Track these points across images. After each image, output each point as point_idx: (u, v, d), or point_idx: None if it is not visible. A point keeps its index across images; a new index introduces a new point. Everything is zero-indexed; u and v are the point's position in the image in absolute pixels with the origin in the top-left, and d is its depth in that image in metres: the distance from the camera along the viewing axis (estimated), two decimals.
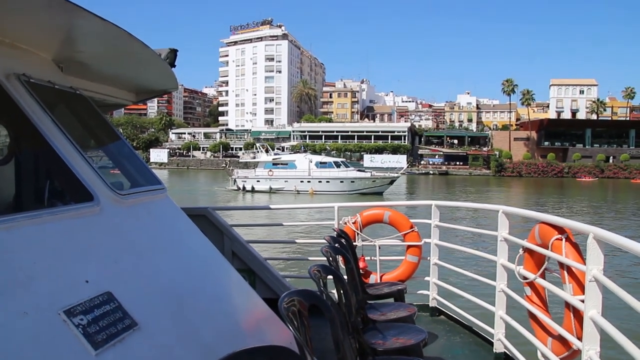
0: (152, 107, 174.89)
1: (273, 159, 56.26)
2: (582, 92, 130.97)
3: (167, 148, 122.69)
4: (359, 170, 57.55)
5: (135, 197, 3.15)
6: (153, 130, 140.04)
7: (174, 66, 4.31)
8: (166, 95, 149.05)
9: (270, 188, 53.01)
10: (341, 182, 52.18)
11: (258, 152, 62.06)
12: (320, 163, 54.26)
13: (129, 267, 2.63)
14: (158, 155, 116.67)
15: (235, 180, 55.24)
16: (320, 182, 52.31)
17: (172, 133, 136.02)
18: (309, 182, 52.35)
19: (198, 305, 2.91)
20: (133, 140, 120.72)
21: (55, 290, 2.08)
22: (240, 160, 64.34)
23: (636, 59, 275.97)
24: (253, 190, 53.06)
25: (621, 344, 2.69)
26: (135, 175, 3.57)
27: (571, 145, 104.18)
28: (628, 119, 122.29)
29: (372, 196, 48.16)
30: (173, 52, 4.25)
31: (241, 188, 53.84)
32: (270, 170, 54.40)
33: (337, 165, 54.13)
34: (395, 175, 53.43)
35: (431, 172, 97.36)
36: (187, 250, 3.46)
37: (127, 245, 2.79)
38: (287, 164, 54.95)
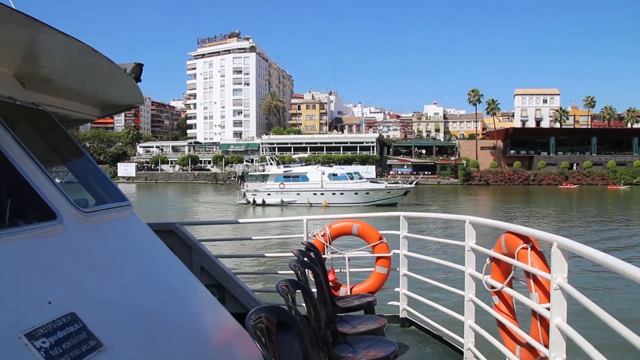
0: (120, 121, 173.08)
1: (284, 172, 55.46)
2: (545, 101, 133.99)
3: (135, 162, 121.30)
4: (371, 182, 57.32)
5: (100, 214, 3.09)
6: (120, 144, 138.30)
7: (140, 80, 4.26)
8: (133, 109, 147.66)
9: (282, 201, 52.29)
10: (355, 194, 51.54)
11: (268, 164, 60.89)
12: (333, 175, 53.37)
13: (94, 286, 2.58)
14: (126, 169, 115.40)
15: (244, 194, 54.26)
16: (334, 194, 51.51)
17: (140, 147, 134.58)
18: (322, 194, 51.58)
19: (165, 324, 2.87)
20: (100, 154, 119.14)
21: (16, 313, 2.02)
22: (250, 173, 63.29)
23: (596, 69, 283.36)
24: (264, 204, 52.05)
25: (586, 350, 2.73)
26: (100, 192, 3.51)
27: (536, 154, 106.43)
28: (589, 127, 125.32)
29: (386, 207, 47.59)
30: (138, 67, 4.20)
31: (251, 202, 52.84)
32: (282, 183, 53.50)
33: (351, 177, 53.36)
34: (409, 186, 53.10)
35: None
36: (154, 268, 3.40)
37: (91, 264, 2.73)
38: (298, 177, 54.09)
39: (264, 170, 59.51)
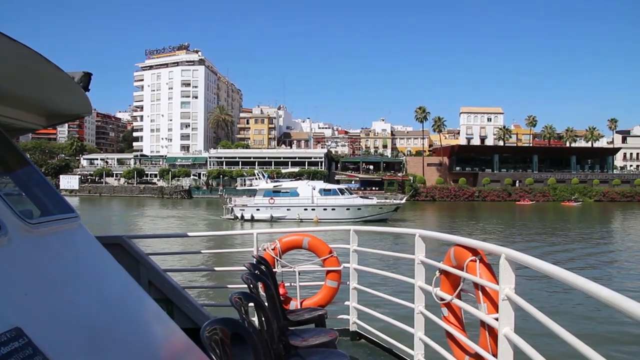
0: (63, 132, 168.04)
1: (274, 187, 54.19)
2: (489, 119, 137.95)
3: (79, 174, 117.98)
4: (362, 197, 56.85)
5: (46, 226, 2.99)
6: (63, 155, 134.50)
7: (88, 90, 4.16)
8: (77, 120, 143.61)
9: (272, 217, 51.08)
10: (347, 209, 50.98)
11: (256, 178, 59.22)
12: (324, 190, 52.58)
13: (40, 300, 2.48)
14: (68, 181, 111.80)
15: (232, 209, 52.77)
16: (325, 209, 50.79)
17: (84, 159, 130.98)
18: (313, 209, 50.77)
19: (114, 338, 2.79)
20: (41, 166, 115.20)
21: None
22: (238, 188, 61.40)
23: (536, 89, 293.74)
24: (252, 220, 50.78)
25: (534, 359, 2.80)
26: (46, 202, 3.39)
27: (481, 170, 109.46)
28: (531, 145, 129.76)
29: (375, 223, 47.69)
30: (87, 76, 4.10)
31: (239, 217, 51.54)
32: (272, 198, 52.33)
33: (342, 192, 52.74)
34: (400, 202, 53.13)
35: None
36: (102, 281, 3.31)
37: (37, 277, 2.63)
38: (288, 192, 52.93)
39: (251, 185, 58.33)
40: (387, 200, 54.84)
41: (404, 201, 53.62)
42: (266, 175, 59.61)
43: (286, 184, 55.34)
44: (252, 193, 55.70)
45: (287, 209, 51.41)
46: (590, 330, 12.43)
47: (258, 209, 52.01)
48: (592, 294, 2.25)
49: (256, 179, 59.02)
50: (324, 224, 46.01)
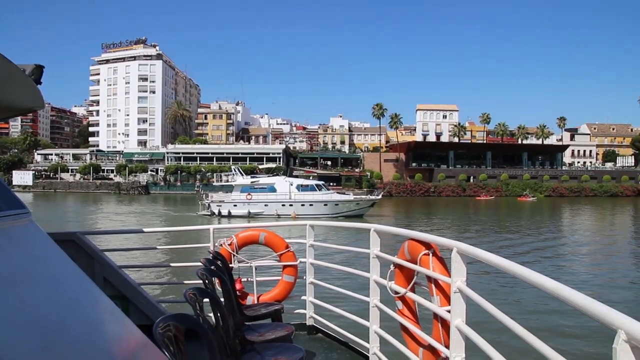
0: (15, 126, 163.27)
1: (251, 182, 53.58)
2: (445, 116, 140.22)
3: (32, 170, 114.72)
4: (339, 193, 56.71)
5: None
6: (16, 150, 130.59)
7: (40, 83, 4.05)
8: (31, 114, 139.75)
9: (249, 212, 50.43)
10: (325, 205, 50.94)
11: (233, 174, 58.09)
12: (302, 186, 52.39)
13: None
14: (21, 177, 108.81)
15: (208, 205, 51.90)
16: (303, 205, 50.60)
17: (38, 154, 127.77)
18: (290, 205, 50.38)
19: (67, 337, 2.73)
20: None
21: None
22: (215, 184, 60.15)
23: (490, 88, 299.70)
24: (230, 215, 50.14)
25: (483, 349, 2.86)
26: None
27: (436, 166, 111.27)
28: (485, 142, 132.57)
29: (353, 218, 48.13)
30: (39, 68, 3.99)
31: (216, 213, 50.75)
32: (249, 194, 51.72)
33: (319, 188, 52.56)
34: (376, 197, 53.25)
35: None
36: (54, 279, 3.23)
37: None
38: (266, 187, 52.48)
39: (228, 181, 57.51)
40: (364, 196, 55.23)
41: (380, 197, 53.95)
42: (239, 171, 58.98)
43: (263, 180, 55.04)
44: (229, 189, 55.16)
45: (265, 205, 51.21)
46: (538, 321, 12.81)
47: (235, 205, 51.59)
48: (537, 285, 2.33)
49: (233, 174, 58.35)
50: (302, 219, 46.24)
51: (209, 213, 51.47)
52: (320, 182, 55.93)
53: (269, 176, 59.84)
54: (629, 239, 36.66)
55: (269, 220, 47.27)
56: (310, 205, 50.97)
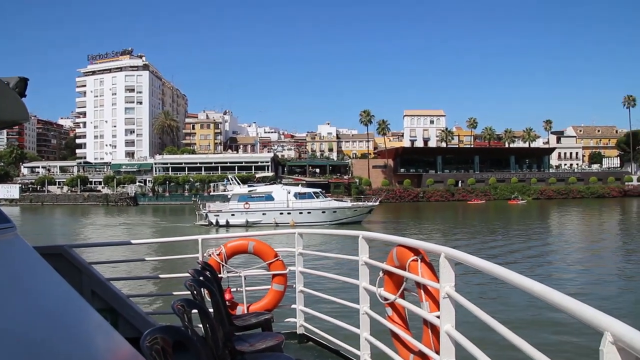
0: (1, 139, 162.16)
1: (249, 191, 53.37)
2: (432, 122, 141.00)
3: (19, 183, 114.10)
4: (336, 200, 56.78)
5: None
6: (2, 164, 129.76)
7: (25, 96, 4.02)
8: (17, 127, 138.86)
9: (247, 221, 50.08)
10: (323, 212, 50.89)
11: (230, 184, 57.95)
12: (299, 194, 52.37)
13: None
14: (8, 191, 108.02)
15: (206, 215, 51.62)
16: (301, 213, 50.50)
17: (25, 167, 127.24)
18: (288, 213, 50.26)
19: (55, 352, 2.70)
20: None
21: None
22: (212, 193, 59.94)
23: (476, 92, 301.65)
24: (228, 225, 49.81)
25: (473, 354, 2.86)
26: None
27: (425, 172, 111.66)
28: (472, 146, 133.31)
29: (351, 225, 47.77)
30: (23, 81, 3.96)
31: (214, 223, 50.46)
32: (247, 203, 51.43)
33: (317, 195, 52.57)
34: (373, 204, 53.20)
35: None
36: (40, 293, 3.20)
37: None
38: (263, 196, 52.24)
39: (225, 190, 57.31)
40: (361, 203, 55.18)
41: (377, 203, 54.02)
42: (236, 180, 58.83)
43: (260, 189, 54.85)
44: (225, 198, 54.96)
45: (263, 214, 51.09)
46: (527, 325, 12.84)
47: (233, 214, 51.40)
48: (525, 289, 2.34)
49: (230, 184, 58.25)
50: (300, 227, 45.91)
51: (207, 223, 51.21)
52: (318, 190, 55.96)
53: (266, 185, 59.65)
54: (616, 240, 36.96)
55: (268, 229, 46.98)
56: (309, 212, 50.94)
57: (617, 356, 1.64)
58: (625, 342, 1.59)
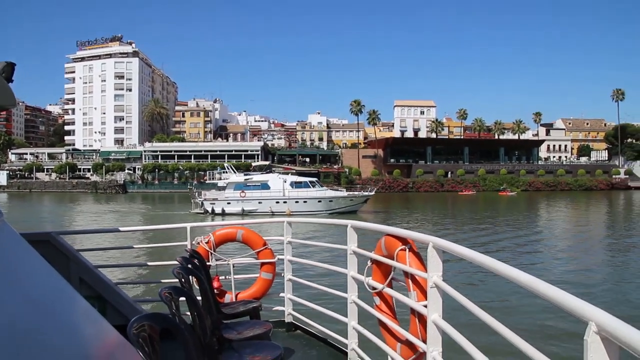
0: None
1: (245, 180, 53.17)
2: (422, 112, 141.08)
3: (7, 170, 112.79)
4: (332, 189, 56.75)
5: None
6: None
7: (11, 81, 3.97)
8: (4, 113, 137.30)
9: (243, 210, 50.29)
10: (319, 201, 50.79)
11: (226, 172, 57.80)
12: (296, 183, 52.18)
13: None
14: None
15: (202, 203, 51.57)
16: (297, 202, 50.45)
17: (12, 153, 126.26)
18: (285, 202, 50.20)
19: (41, 340, 2.68)
20: None
21: None
22: (208, 181, 59.55)
23: (467, 84, 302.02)
24: (224, 213, 49.78)
25: (460, 343, 2.89)
26: None
27: (414, 162, 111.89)
28: (462, 137, 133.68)
29: (347, 214, 47.32)
30: (10, 66, 3.90)
31: (210, 211, 50.44)
32: (243, 192, 51.43)
33: (313, 184, 52.52)
34: (369, 194, 53.39)
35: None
36: (26, 280, 3.17)
37: None
38: (259, 185, 52.13)
39: (221, 178, 57.01)
40: (357, 193, 55.14)
41: (373, 193, 54.23)
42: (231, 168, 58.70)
43: (257, 177, 54.63)
44: (221, 187, 54.86)
45: (259, 202, 51.07)
46: (514, 314, 12.96)
47: (229, 203, 51.37)
48: (512, 279, 2.35)
49: (226, 172, 58.09)
50: (296, 216, 45.59)
51: (202, 211, 51.28)
52: (314, 179, 56.05)
53: (262, 173, 59.49)
54: (602, 231, 37.30)
55: (263, 218, 46.77)
56: (305, 202, 50.96)
57: (600, 346, 1.66)
58: (609, 332, 1.61)
